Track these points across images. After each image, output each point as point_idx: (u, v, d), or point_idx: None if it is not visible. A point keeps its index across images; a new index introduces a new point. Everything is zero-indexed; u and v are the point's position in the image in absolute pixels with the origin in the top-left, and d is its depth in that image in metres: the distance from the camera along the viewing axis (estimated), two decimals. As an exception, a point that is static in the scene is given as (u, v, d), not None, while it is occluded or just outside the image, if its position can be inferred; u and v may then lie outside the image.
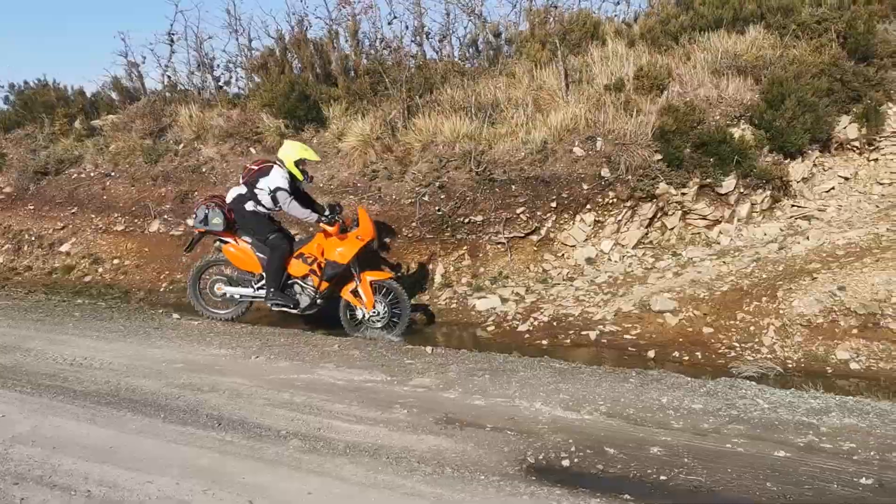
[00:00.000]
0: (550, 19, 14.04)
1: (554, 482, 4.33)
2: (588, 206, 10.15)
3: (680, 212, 10.21)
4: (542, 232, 10.18)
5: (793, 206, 10.30)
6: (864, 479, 4.29)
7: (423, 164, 10.61)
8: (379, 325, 8.28)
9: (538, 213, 10.15)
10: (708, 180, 10.09)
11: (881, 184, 10.35)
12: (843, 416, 5.19)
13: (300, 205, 8.22)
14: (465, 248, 10.13)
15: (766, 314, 7.60)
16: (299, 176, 8.31)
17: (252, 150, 11.97)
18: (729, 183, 10.07)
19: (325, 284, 8.30)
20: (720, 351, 7.41)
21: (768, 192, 10.28)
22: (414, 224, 10.26)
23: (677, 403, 5.50)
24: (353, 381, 6.26)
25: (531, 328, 8.44)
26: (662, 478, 4.35)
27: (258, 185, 8.18)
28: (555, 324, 8.50)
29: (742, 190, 10.19)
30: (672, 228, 10.21)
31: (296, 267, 8.34)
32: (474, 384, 6.04)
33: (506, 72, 12.63)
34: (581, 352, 7.73)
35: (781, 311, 7.53)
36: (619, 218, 10.14)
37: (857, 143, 10.71)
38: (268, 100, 12.06)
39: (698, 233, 10.19)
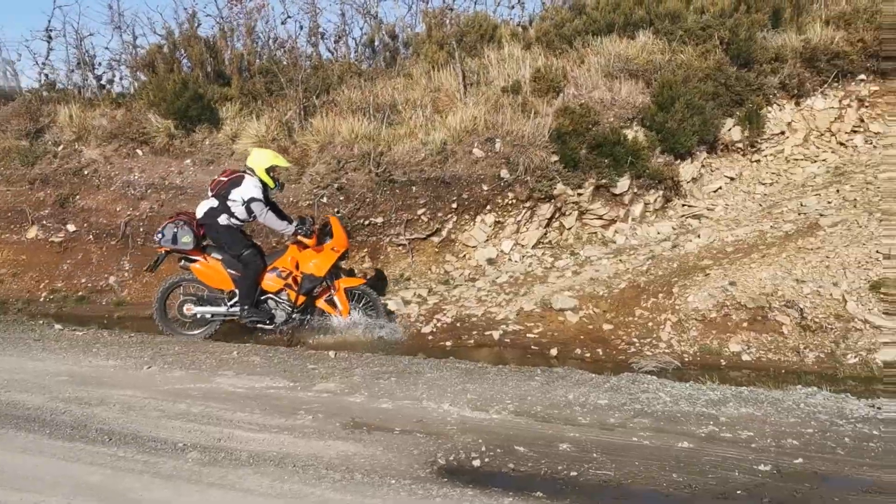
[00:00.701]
0: (447, 21, 14.07)
1: (466, 483, 4.25)
2: (488, 207, 10.19)
3: (577, 212, 10.38)
4: (444, 233, 10.16)
5: (683, 205, 10.64)
6: (762, 465, 4.41)
7: (321, 166, 10.41)
8: (357, 331, 8.09)
9: (439, 214, 10.12)
10: (603, 181, 10.30)
11: (763, 184, 10.82)
12: (739, 406, 5.34)
13: (276, 216, 8.01)
14: (365, 250, 10.00)
15: (662, 310, 7.80)
16: (271, 184, 8.01)
17: (139, 151, 11.43)
18: (623, 183, 10.31)
19: (301, 298, 8.12)
20: (620, 347, 7.54)
21: (660, 192, 10.59)
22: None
23: (583, 399, 5.54)
24: (254, 388, 6.02)
25: (434, 330, 8.37)
26: (573, 473, 4.35)
27: (231, 197, 7.84)
28: (458, 325, 8.46)
29: (636, 190, 10.45)
30: (570, 228, 10.37)
31: (270, 282, 8.09)
32: (380, 387, 5.92)
33: (403, 73, 12.57)
34: (485, 352, 7.72)
35: (677, 307, 7.74)
36: (519, 218, 10.23)
37: (741, 145, 11.18)
38: (156, 99, 11.55)
39: (595, 232, 10.39)
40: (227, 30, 13.72)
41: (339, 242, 8.13)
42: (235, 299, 8.06)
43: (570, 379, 6.07)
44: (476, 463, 4.51)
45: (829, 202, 9.35)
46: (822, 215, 8.92)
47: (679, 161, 10.81)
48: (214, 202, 7.92)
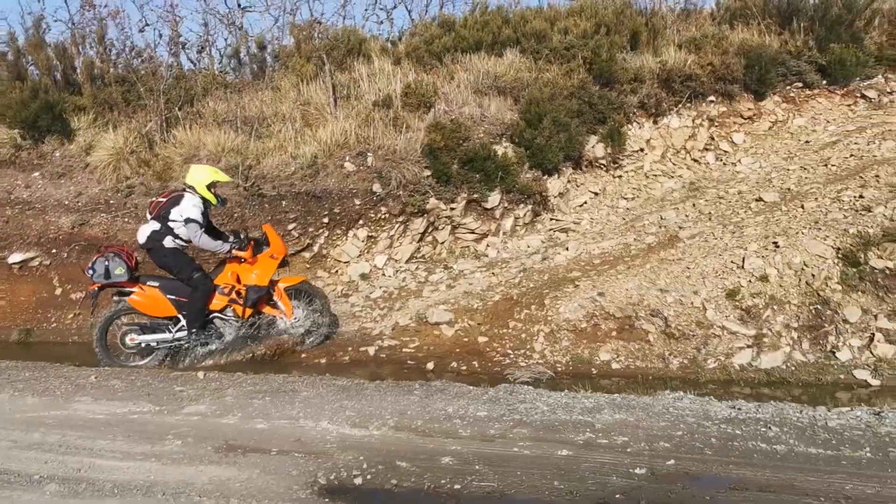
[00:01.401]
0: (315, 35, 13.90)
1: (348, 502, 4.13)
2: (361, 222, 10.10)
3: (450, 226, 10.44)
4: (315, 248, 9.98)
5: (552, 219, 10.91)
6: (638, 468, 4.52)
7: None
8: (301, 329, 8.06)
9: (310, 229, 9.94)
10: (475, 195, 10.42)
11: (625, 198, 11.26)
12: (613, 412, 5.48)
13: (210, 237, 7.73)
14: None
15: (535, 321, 7.93)
16: (213, 200, 7.75)
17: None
18: (494, 198, 10.47)
19: (248, 311, 7.88)
20: (496, 359, 7.60)
21: (530, 207, 10.81)
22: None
23: (463, 412, 5.52)
24: (115, 413, 5.64)
25: (308, 347, 8.16)
26: (456, 486, 4.31)
27: (171, 217, 7.55)
28: (332, 341, 8.29)
29: (506, 205, 10.63)
30: (443, 242, 10.41)
31: (214, 301, 7.82)
32: (254, 407, 5.69)
33: (272, 86, 12.32)
34: (361, 368, 7.60)
35: (549, 318, 7.90)
36: (392, 233, 10.18)
37: (604, 161, 11.58)
38: (0, 108, 10.77)
39: (467, 246, 10.47)
40: (78, 36, 12.99)
41: (276, 249, 7.99)
42: (181, 324, 7.75)
43: (448, 392, 6.05)
44: (358, 481, 4.40)
45: (686, 216, 9.82)
46: (681, 228, 9.36)
47: (547, 176, 11.08)
48: (156, 225, 7.62)
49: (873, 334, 7.04)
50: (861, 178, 9.39)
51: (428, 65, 12.26)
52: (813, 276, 7.52)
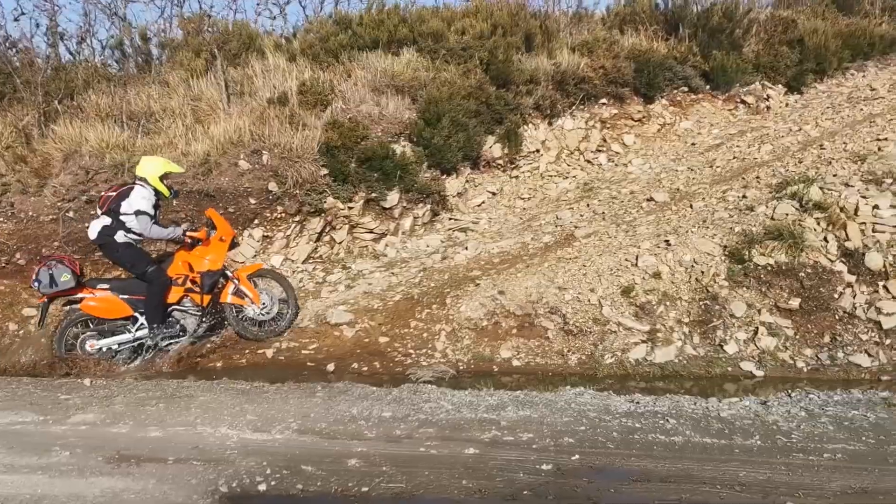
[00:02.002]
0: (205, 28, 13.47)
1: (252, 510, 4.00)
2: (256, 221, 9.85)
3: (348, 226, 10.31)
4: (209, 249, 9.64)
5: (450, 218, 10.95)
6: (544, 465, 4.57)
7: (67, 177, 9.49)
8: (269, 316, 8.02)
9: (203, 230, 9.59)
10: (373, 195, 10.33)
11: (522, 198, 11.42)
12: (517, 409, 5.52)
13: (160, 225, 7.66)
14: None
15: (437, 320, 7.91)
16: (165, 192, 7.66)
17: None
18: (393, 197, 10.41)
19: (207, 298, 7.81)
20: (397, 359, 7.54)
21: (428, 206, 10.81)
22: (57, 243, 9.13)
23: (367, 413, 5.45)
24: (-6, 425, 5.29)
25: (203, 350, 7.88)
26: (364, 489, 4.24)
27: (122, 211, 7.35)
28: (228, 343, 8.02)
29: (405, 204, 10.59)
30: (341, 242, 10.27)
31: (171, 293, 7.68)
32: (148, 415, 5.43)
33: (159, 80, 11.84)
34: (260, 371, 7.37)
35: (451, 317, 7.90)
36: (289, 233, 9.97)
37: (501, 162, 11.72)
38: None
39: (366, 246, 10.37)
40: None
41: (224, 232, 7.94)
42: (139, 322, 7.60)
43: (351, 393, 5.96)
44: (262, 487, 4.26)
45: (581, 215, 10.05)
46: (576, 227, 9.56)
47: (445, 176, 11.12)
48: (107, 220, 7.41)
49: (757, 328, 7.37)
50: (743, 179, 9.84)
51: (324, 62, 12.08)
52: (702, 272, 7.82)
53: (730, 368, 7.16)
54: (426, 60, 12.20)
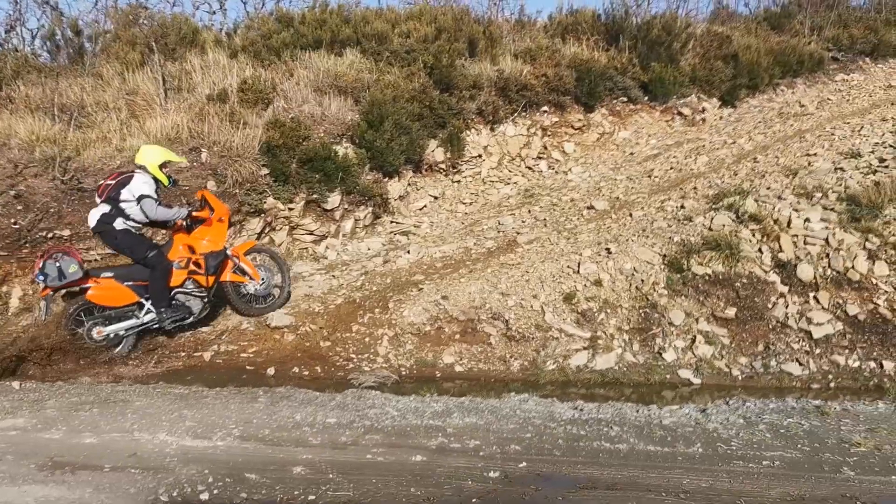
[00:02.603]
0: (141, 20, 13.12)
1: (194, 520, 3.88)
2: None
3: (288, 227, 10.16)
4: (143, 248, 9.37)
5: (392, 222, 10.89)
6: (492, 472, 4.56)
7: (-6, 170, 9.09)
8: (266, 291, 8.26)
9: (138, 228, 9.32)
10: (314, 196, 10.21)
11: (464, 203, 11.44)
12: (463, 416, 5.50)
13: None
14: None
15: (379, 325, 7.85)
16: (165, 181, 7.63)
17: None
18: (334, 199, 10.31)
19: (211, 279, 7.81)
20: (339, 363, 7.44)
21: (370, 209, 10.73)
22: (-16, 239, 8.75)
23: (311, 419, 5.35)
24: (-87, 431, 5.01)
25: (139, 353, 7.64)
26: (311, 497, 4.16)
27: (122, 198, 7.35)
28: (163, 347, 7.80)
29: (346, 206, 10.50)
30: (280, 244, 10.11)
31: (174, 276, 7.70)
32: (81, 420, 5.23)
33: (93, 72, 11.47)
34: (198, 375, 7.17)
35: (394, 321, 7.84)
36: (228, 233, 9.74)
37: (443, 166, 11.72)
38: None
39: (306, 248, 10.23)
40: None
41: (221, 212, 7.98)
42: (146, 307, 7.59)
43: (294, 399, 5.85)
44: (204, 496, 4.14)
45: (523, 221, 10.11)
46: (518, 233, 9.62)
47: (387, 179, 11.06)
48: (106, 207, 7.40)
49: (695, 336, 7.53)
50: (681, 189, 10.06)
51: (266, 60, 11.90)
52: (642, 281, 7.94)
53: (668, 376, 7.29)
54: (369, 62, 12.14)
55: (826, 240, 7.92)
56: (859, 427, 5.28)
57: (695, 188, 9.98)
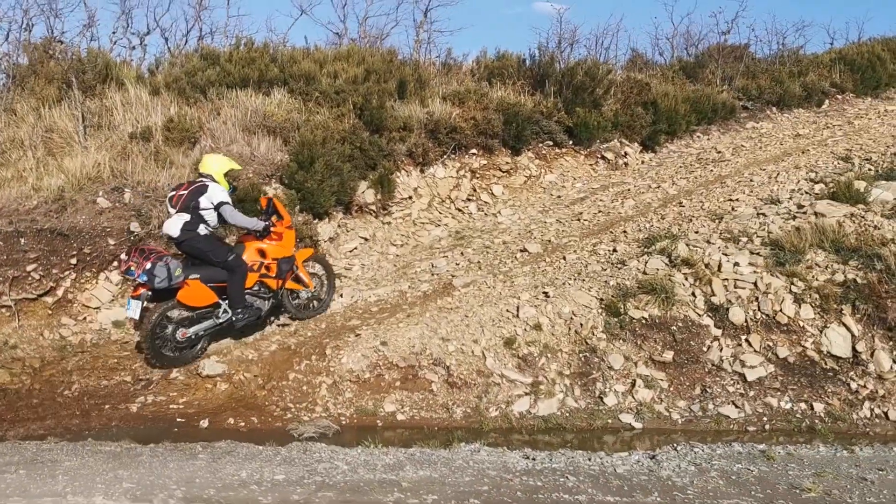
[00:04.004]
0: (56, 54, 12.61)
1: None
2: (115, 264, 9.16)
3: (215, 270, 9.81)
4: (59, 293, 8.85)
5: (322, 264, 10.66)
6: (452, 529, 4.42)
7: None
8: (322, 298, 8.99)
9: (54, 271, 8.83)
10: (243, 238, 9.90)
11: (395, 245, 11.32)
12: (416, 468, 5.34)
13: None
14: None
15: (317, 372, 7.62)
16: (226, 187, 8.02)
17: None
18: (263, 241, 10.03)
19: (279, 283, 8.35)
20: (276, 413, 7.18)
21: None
22: None
23: (258, 476, 5.08)
24: None
25: (57, 406, 7.18)
26: (268, 565, 3.92)
27: (202, 206, 7.71)
28: (86, 399, 7.38)
29: (276, 248, 10.22)
30: (207, 287, 9.74)
31: (248, 279, 8.08)
32: (7, 483, 4.80)
33: (5, 107, 10.92)
34: (126, 428, 6.77)
35: (332, 369, 7.63)
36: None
37: (374, 207, 11.58)
38: None
39: (234, 291, 9.89)
40: None
41: (288, 219, 8.51)
42: (222, 308, 7.97)
43: (237, 454, 5.57)
44: (152, 568, 3.85)
45: (457, 264, 10.07)
46: (453, 276, 9.56)
47: (317, 220, 10.83)
48: (186, 216, 7.70)
49: (634, 380, 7.60)
50: (612, 233, 10.23)
51: (191, 98, 11.58)
52: (581, 325, 7.99)
53: (610, 421, 7.32)
54: (298, 102, 11.98)
55: (755, 283, 8.16)
56: (806, 472, 5.39)
57: (625, 232, 10.17)
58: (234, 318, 7.98)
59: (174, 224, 7.71)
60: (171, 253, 7.93)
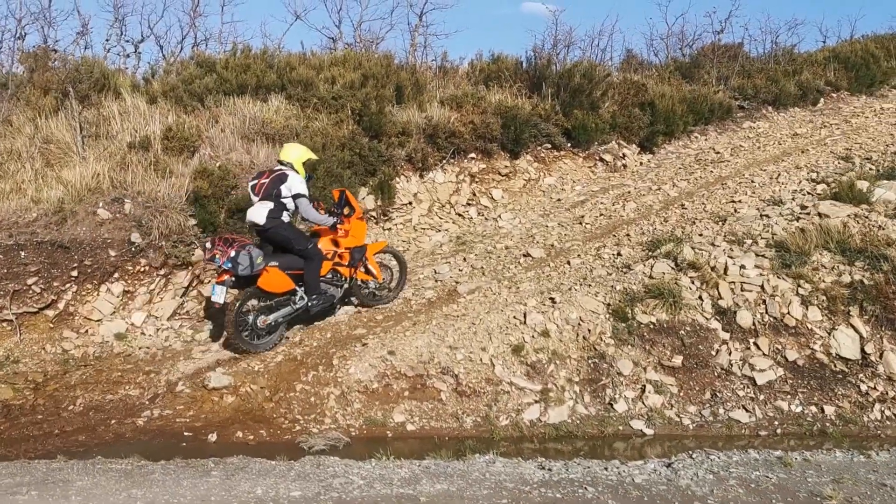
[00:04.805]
0: (51, 63, 12.50)
1: None
2: (116, 275, 9.10)
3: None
4: (61, 306, 8.78)
5: (324, 272, 10.59)
6: (472, 545, 4.37)
7: None
8: (392, 289, 9.41)
9: (55, 284, 8.76)
10: (244, 247, 9.83)
11: (396, 251, 11.26)
12: (433, 482, 5.28)
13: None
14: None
15: (324, 383, 7.55)
16: (304, 176, 8.39)
17: None
18: (265, 250, 9.96)
19: (351, 271, 8.81)
20: (285, 426, 7.10)
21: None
22: None
23: (274, 493, 5.01)
24: None
25: (63, 421, 7.09)
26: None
27: (283, 195, 8.11)
28: (91, 413, 7.29)
29: (278, 257, 10.15)
30: (209, 297, 9.65)
31: (323, 267, 8.48)
32: (19, 507, 4.74)
33: (1, 118, 10.81)
34: (132, 444, 6.67)
35: (339, 379, 7.56)
36: (153, 287, 9.29)
37: (374, 213, 11.53)
38: None
39: (236, 301, 9.81)
40: None
41: (359, 210, 9.02)
42: (299, 294, 8.34)
43: (250, 470, 5.50)
44: None
45: (460, 270, 10.02)
46: (457, 282, 9.51)
47: (319, 228, 10.77)
48: (269, 204, 8.09)
49: (644, 386, 7.57)
50: (615, 236, 10.20)
51: (188, 106, 11.49)
52: (589, 330, 7.95)
53: (621, 427, 7.28)
54: (296, 108, 11.90)
55: (762, 286, 8.14)
56: (824, 478, 5.36)
57: (628, 235, 10.14)
58: (309, 304, 8.39)
59: (259, 212, 8.09)
60: (253, 242, 8.25)
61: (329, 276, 8.59)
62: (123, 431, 7.04)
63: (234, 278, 7.89)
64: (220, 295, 7.90)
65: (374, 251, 9.14)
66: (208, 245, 8.14)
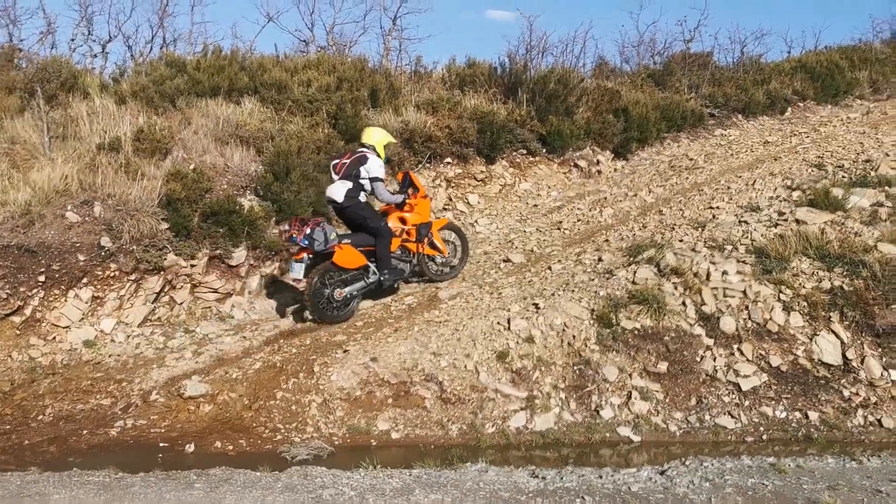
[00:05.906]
0: (15, 62, 12.16)
1: None
2: (85, 280, 8.80)
3: (189, 285, 9.48)
4: (28, 312, 8.46)
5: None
6: (472, 558, 4.24)
7: None
8: (453, 263, 9.90)
9: (21, 289, 8.43)
10: (218, 251, 9.61)
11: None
12: (426, 492, 5.14)
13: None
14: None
15: (306, 391, 7.36)
16: (384, 158, 8.91)
17: None
18: (240, 254, 9.75)
19: (418, 246, 9.37)
20: (265, 435, 6.90)
21: (277, 264, 10.18)
22: None
23: (261, 507, 4.84)
24: None
25: (32, 432, 6.81)
26: None
27: (361, 176, 8.59)
28: (62, 423, 7.02)
29: (252, 261, 9.94)
30: (182, 303, 9.41)
31: (392, 244, 8.98)
32: (-7, 524, 4.50)
33: (-35, 118, 10.46)
34: (105, 455, 6.40)
35: (321, 387, 7.37)
36: (123, 293, 9.00)
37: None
38: None
39: (209, 307, 9.57)
40: None
41: (423, 190, 9.52)
42: (371, 269, 8.82)
43: (234, 482, 5.30)
44: None
45: (439, 275, 9.87)
46: (438, 288, 9.38)
47: (294, 232, 10.57)
48: (348, 183, 8.60)
49: (630, 392, 7.49)
50: (594, 242, 10.15)
51: (159, 107, 11.22)
52: (574, 336, 7.86)
53: (608, 434, 7.19)
54: (270, 111, 11.70)
55: (744, 292, 8.12)
56: (820, 485, 5.31)
57: (607, 240, 10.10)
58: (381, 279, 8.88)
59: (338, 190, 8.61)
60: (326, 220, 8.80)
61: (398, 252, 9.10)
62: (97, 442, 6.79)
63: (311, 255, 8.34)
64: (298, 271, 8.36)
65: (437, 227, 9.64)
66: (285, 227, 8.67)
